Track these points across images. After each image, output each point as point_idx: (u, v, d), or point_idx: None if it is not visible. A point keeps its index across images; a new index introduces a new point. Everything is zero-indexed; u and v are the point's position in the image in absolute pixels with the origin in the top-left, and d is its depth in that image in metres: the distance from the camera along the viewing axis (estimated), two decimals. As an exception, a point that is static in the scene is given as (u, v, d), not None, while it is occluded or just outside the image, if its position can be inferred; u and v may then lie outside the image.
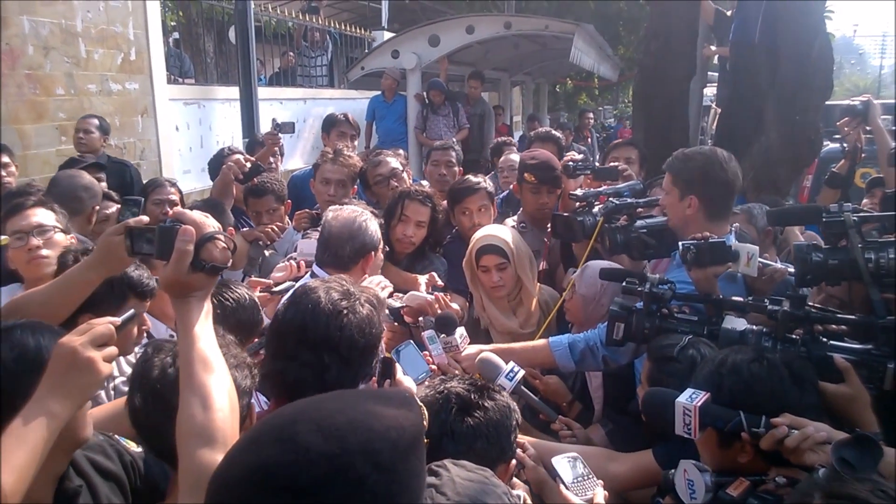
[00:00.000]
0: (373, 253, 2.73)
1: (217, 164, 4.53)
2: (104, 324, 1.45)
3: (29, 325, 1.57)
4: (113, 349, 1.45)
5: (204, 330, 1.41)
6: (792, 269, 2.70)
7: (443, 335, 2.56)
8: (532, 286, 3.23)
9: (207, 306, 1.45)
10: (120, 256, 1.85)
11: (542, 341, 2.83)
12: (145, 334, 2.51)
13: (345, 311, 1.74)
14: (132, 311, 1.89)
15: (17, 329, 1.54)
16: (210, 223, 1.45)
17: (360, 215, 2.76)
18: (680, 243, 2.43)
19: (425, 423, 1.08)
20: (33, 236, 2.74)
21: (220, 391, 1.34)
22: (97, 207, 3.69)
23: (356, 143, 5.19)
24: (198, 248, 1.39)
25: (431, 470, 1.42)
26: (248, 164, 4.03)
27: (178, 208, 1.55)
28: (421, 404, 1.10)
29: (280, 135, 4.95)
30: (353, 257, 2.68)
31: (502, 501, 1.39)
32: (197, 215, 1.45)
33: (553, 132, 5.36)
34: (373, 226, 2.77)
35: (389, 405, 0.99)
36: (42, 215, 2.83)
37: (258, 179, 4.06)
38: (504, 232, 3.27)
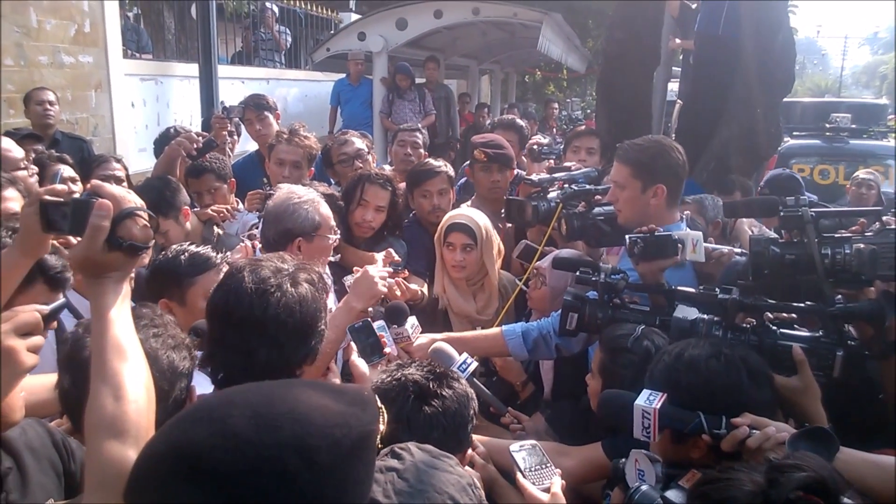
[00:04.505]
0: (300, 239, 2.57)
1: (163, 144, 4.34)
2: (30, 311, 1.35)
3: None
4: (38, 339, 1.36)
5: (120, 315, 1.31)
6: (738, 251, 2.69)
7: (394, 325, 2.49)
8: (495, 275, 3.19)
9: (126, 289, 1.35)
10: (38, 235, 1.71)
11: (495, 330, 2.79)
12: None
13: (271, 290, 1.65)
14: (62, 299, 1.78)
15: None
16: (131, 199, 1.34)
17: (299, 198, 2.62)
18: (627, 237, 2.40)
19: (382, 426, 1.00)
20: None
21: (135, 381, 1.24)
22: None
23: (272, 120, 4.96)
24: (115, 224, 1.28)
25: (395, 452, 1.37)
26: (201, 140, 3.88)
27: (97, 181, 1.43)
28: (381, 406, 1.01)
29: (232, 118, 4.78)
30: (278, 240, 2.56)
31: (466, 493, 1.34)
32: (117, 190, 1.35)
33: (516, 120, 5.30)
34: (306, 212, 2.60)
35: (340, 401, 0.92)
36: None
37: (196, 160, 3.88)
38: (479, 216, 3.21)
